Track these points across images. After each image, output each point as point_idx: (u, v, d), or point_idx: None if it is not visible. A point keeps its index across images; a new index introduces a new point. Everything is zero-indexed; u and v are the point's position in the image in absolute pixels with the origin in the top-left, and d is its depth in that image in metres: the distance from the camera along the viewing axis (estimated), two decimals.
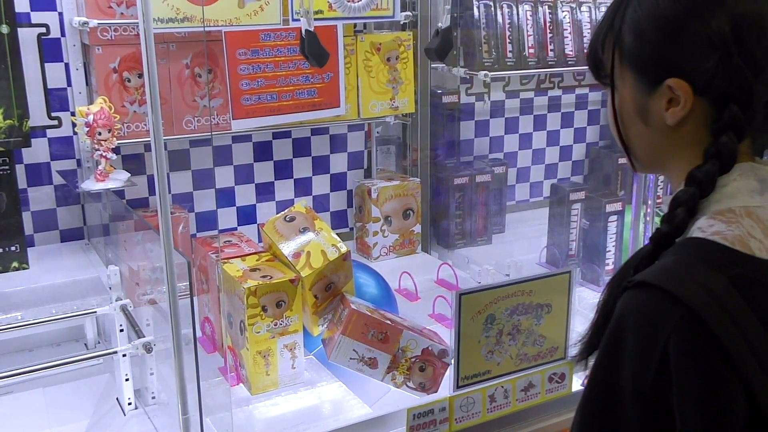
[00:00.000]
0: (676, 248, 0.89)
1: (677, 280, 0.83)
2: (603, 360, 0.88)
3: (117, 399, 1.63)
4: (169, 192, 2.02)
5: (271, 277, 1.43)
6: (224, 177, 2.09)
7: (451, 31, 1.46)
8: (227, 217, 2.12)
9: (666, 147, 0.95)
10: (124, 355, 1.50)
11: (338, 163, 2.28)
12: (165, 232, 1.15)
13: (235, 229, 2.14)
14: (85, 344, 1.88)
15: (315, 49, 1.34)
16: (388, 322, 1.43)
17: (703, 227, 0.87)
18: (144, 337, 1.40)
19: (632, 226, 1.53)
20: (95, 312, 1.49)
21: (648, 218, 1.52)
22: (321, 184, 2.27)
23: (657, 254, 0.91)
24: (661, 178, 1.85)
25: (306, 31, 1.34)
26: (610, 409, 0.87)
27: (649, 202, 1.51)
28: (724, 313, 0.80)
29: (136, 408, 1.60)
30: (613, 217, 1.97)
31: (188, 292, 1.88)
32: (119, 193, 1.80)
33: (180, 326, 1.18)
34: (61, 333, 1.86)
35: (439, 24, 1.49)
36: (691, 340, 0.79)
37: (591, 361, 0.99)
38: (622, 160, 2.52)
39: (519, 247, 2.33)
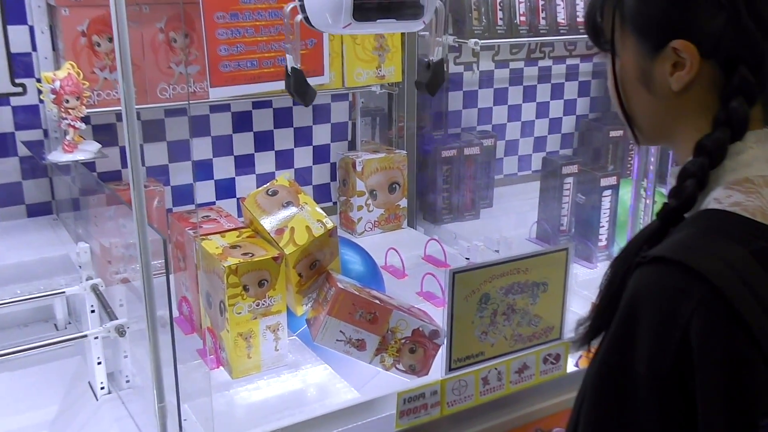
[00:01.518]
0: (689, 222, 0.83)
1: (698, 255, 0.76)
2: (615, 343, 0.82)
3: (89, 383, 1.55)
4: (143, 164, 1.92)
5: (253, 255, 1.35)
6: (201, 149, 2.00)
7: (443, 64, 1.39)
8: (205, 191, 2.03)
9: (671, 115, 0.89)
10: (96, 338, 1.42)
11: (321, 134, 2.19)
12: (138, 207, 1.06)
13: (214, 203, 2.05)
14: (55, 325, 1.79)
15: (301, 87, 1.28)
16: (377, 301, 1.35)
17: (720, 198, 0.81)
18: (116, 318, 1.31)
19: (632, 201, 1.46)
20: (64, 292, 1.40)
21: (648, 193, 1.45)
22: (303, 157, 2.18)
23: (666, 231, 0.85)
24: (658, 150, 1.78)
25: (293, 68, 1.27)
26: (623, 395, 0.80)
27: (650, 176, 1.44)
28: (747, 290, 0.74)
29: (109, 392, 1.52)
30: (608, 192, 1.90)
31: (163, 271, 1.80)
32: (89, 165, 1.70)
33: (155, 307, 1.09)
34: (29, 313, 1.77)
35: (430, 57, 1.39)
36: (715, 321, 0.73)
37: (594, 345, 0.93)
38: (613, 133, 2.46)
39: (508, 222, 2.26)
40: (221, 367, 1.43)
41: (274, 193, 1.48)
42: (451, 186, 2.24)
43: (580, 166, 2.00)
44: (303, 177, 2.20)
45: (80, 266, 1.45)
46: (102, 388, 1.51)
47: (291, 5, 1.29)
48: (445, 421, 1.35)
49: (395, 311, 1.35)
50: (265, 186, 1.50)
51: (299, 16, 1.27)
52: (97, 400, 1.51)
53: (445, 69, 2.23)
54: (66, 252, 1.65)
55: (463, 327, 1.32)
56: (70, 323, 1.78)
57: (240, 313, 1.33)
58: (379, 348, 1.35)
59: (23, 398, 1.59)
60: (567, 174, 2.00)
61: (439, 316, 1.47)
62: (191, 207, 2.00)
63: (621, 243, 1.94)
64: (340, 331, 1.34)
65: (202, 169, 2.01)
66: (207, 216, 1.56)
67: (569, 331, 1.46)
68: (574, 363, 1.57)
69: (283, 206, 1.45)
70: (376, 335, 1.35)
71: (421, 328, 1.37)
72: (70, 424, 1.51)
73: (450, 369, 1.33)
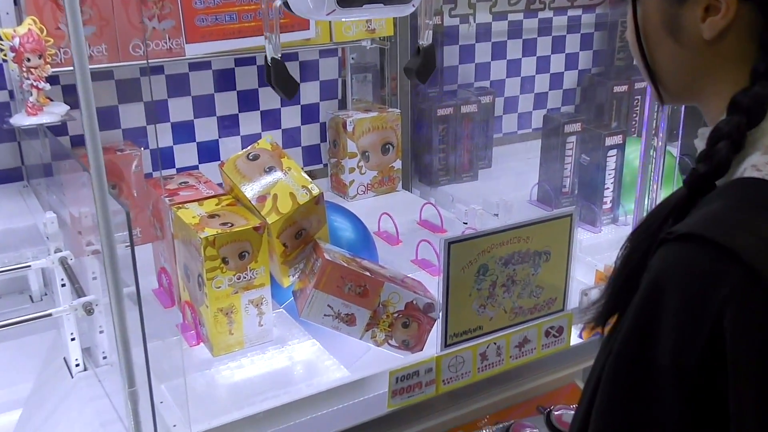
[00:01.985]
0: (722, 192, 0.73)
1: (732, 231, 0.66)
2: (634, 331, 0.72)
3: (64, 358, 1.46)
4: (119, 127, 1.81)
5: (232, 225, 1.24)
6: (181, 109, 1.88)
7: (434, 49, 1.28)
8: (186, 155, 1.92)
9: (702, 69, 0.78)
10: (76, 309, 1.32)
11: (310, 92, 2.07)
12: (97, 178, 0.95)
13: (197, 167, 1.94)
14: (30, 296, 1.70)
15: (282, 79, 1.18)
16: (367, 273, 1.26)
17: (759, 165, 0.71)
18: (84, 294, 1.22)
19: (641, 161, 1.36)
20: (30, 266, 1.30)
21: (658, 152, 1.35)
22: (291, 117, 2.06)
23: (693, 200, 0.75)
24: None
25: (272, 59, 1.17)
26: (642, 390, 0.71)
27: (661, 135, 1.34)
28: None
29: (85, 369, 1.44)
30: (613, 152, 1.79)
31: (137, 242, 1.70)
32: (59, 128, 1.59)
33: (120, 284, 0.99)
34: (2, 284, 1.68)
35: (420, 41, 1.28)
36: (752, 309, 0.64)
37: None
38: (618, 88, 2.34)
39: (507, 184, 2.16)
40: (202, 344, 1.34)
41: (256, 157, 1.37)
42: (448, 146, 2.13)
43: (583, 124, 1.89)
44: (291, 138, 2.09)
45: (48, 237, 1.35)
46: (77, 365, 1.43)
47: None
48: (440, 399, 1.27)
49: (387, 283, 1.26)
50: (245, 150, 1.39)
51: (278, 1, 1.17)
52: (72, 377, 1.43)
53: (440, 22, 2.11)
54: (35, 222, 1.55)
55: (460, 300, 1.23)
56: (46, 294, 1.69)
57: (219, 287, 1.24)
58: (370, 323, 1.26)
59: None
60: (569, 133, 1.89)
61: (435, 285, 1.38)
62: (172, 171, 1.90)
63: (627, 206, 1.84)
64: (328, 306, 1.24)
65: (183, 131, 1.89)
66: (185, 182, 1.45)
67: (573, 302, 1.38)
68: (577, 335, 1.49)
69: (265, 171, 1.35)
70: (366, 309, 1.26)
71: (414, 301, 1.27)
72: (43, 403, 1.43)
73: (446, 345, 1.24)
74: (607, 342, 0.79)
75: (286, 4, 1.13)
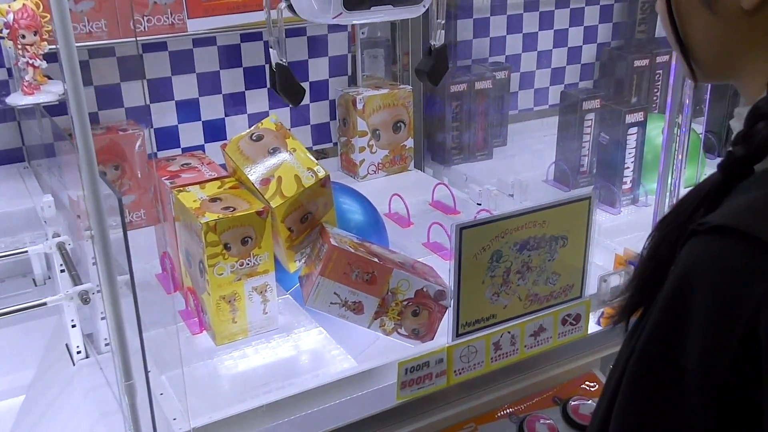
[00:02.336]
0: (761, 178, 0.67)
1: None
2: (659, 330, 0.66)
3: (66, 345, 1.43)
4: (122, 106, 1.75)
5: (234, 209, 1.19)
6: (186, 87, 1.82)
7: (446, 50, 1.22)
8: (192, 134, 1.86)
9: (740, 42, 0.71)
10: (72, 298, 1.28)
11: (318, 69, 2.00)
12: (86, 161, 0.90)
13: (202, 147, 1.88)
14: (34, 280, 1.66)
15: (288, 84, 1.12)
16: (376, 260, 1.20)
17: None
18: (80, 282, 1.17)
19: (664, 139, 1.29)
20: (26, 252, 1.26)
21: (683, 130, 1.27)
22: None
23: (729, 187, 0.69)
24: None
25: (277, 64, 1.11)
26: (666, 394, 0.65)
27: (686, 111, 1.26)
28: None
29: (87, 356, 1.40)
30: (634, 129, 1.72)
31: (140, 225, 1.65)
32: (57, 108, 1.53)
33: (113, 273, 0.94)
34: (5, 267, 1.64)
35: (432, 42, 1.21)
36: None
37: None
38: (638, 63, 2.25)
39: (523, 163, 2.09)
40: (205, 331, 1.29)
41: (260, 137, 1.31)
42: (462, 124, 2.06)
43: (602, 101, 1.81)
44: (300, 116, 2.03)
45: (45, 222, 1.31)
46: (78, 352, 1.39)
47: None
48: (452, 390, 1.22)
49: (396, 270, 1.20)
50: (248, 130, 1.34)
51: (282, 4, 1.10)
52: (73, 364, 1.39)
53: None
54: (34, 205, 1.51)
55: (472, 288, 1.18)
56: (50, 278, 1.65)
57: (221, 274, 1.19)
58: (378, 311, 1.21)
59: None
60: (588, 109, 1.81)
61: (446, 269, 1.33)
62: (177, 151, 1.85)
63: (647, 186, 1.77)
64: (335, 293, 1.19)
65: (188, 110, 1.83)
66: (187, 164, 1.40)
67: (591, 289, 1.32)
68: (595, 321, 1.43)
69: (269, 153, 1.29)
70: (374, 297, 1.20)
71: (425, 289, 1.22)
72: (45, 391, 1.39)
73: (458, 334, 1.19)
74: (630, 338, 0.74)
75: (290, 7, 1.08)
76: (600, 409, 0.76)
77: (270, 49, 1.10)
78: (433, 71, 1.21)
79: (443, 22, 1.20)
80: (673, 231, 0.72)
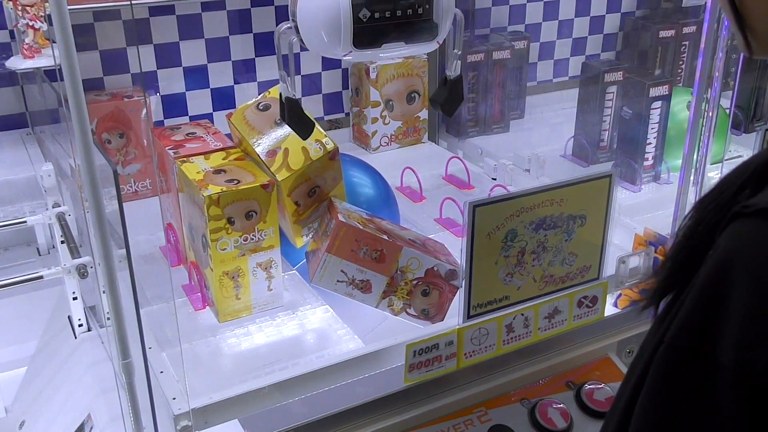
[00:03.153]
0: None
1: None
2: (692, 320, 0.61)
3: (69, 317, 1.40)
4: (128, 71, 1.70)
5: (239, 182, 1.14)
6: (194, 53, 1.76)
7: (461, 81, 1.17)
8: (200, 102, 1.81)
9: None
10: (70, 271, 1.25)
11: None
12: (80, 129, 0.85)
13: (211, 116, 1.83)
14: (38, 249, 1.63)
15: (297, 118, 1.10)
16: (385, 236, 1.15)
17: None
18: (78, 255, 1.13)
19: (691, 115, 1.22)
20: (25, 222, 1.22)
21: (711, 105, 1.21)
22: (311, 62, 1.93)
23: None
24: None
25: (287, 98, 1.08)
26: (696, 389, 0.60)
27: (716, 85, 1.20)
28: None
29: (89, 330, 1.37)
30: (658, 103, 1.65)
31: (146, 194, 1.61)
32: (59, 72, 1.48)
33: (109, 246, 0.89)
34: (8, 236, 1.61)
35: (448, 72, 1.16)
36: None
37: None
38: (663, 33, 2.16)
39: (540, 136, 2.02)
40: (208, 308, 1.26)
41: (266, 107, 1.26)
42: (478, 95, 1.99)
43: (625, 73, 1.74)
44: (312, 84, 1.97)
45: (45, 191, 1.27)
46: (80, 325, 1.36)
47: (283, 26, 1.08)
48: (462, 374, 1.18)
49: (406, 248, 1.15)
50: (255, 99, 1.28)
51: (293, 38, 1.07)
52: (75, 337, 1.36)
53: None
54: (35, 173, 1.47)
55: (485, 268, 1.13)
56: (53, 247, 1.62)
57: (225, 249, 1.14)
58: (386, 290, 1.17)
59: (2, 331, 1.45)
60: (610, 82, 1.74)
61: (459, 246, 1.28)
62: (185, 119, 1.80)
63: (670, 162, 1.71)
64: (342, 271, 1.15)
65: (196, 77, 1.78)
66: (192, 133, 1.35)
67: (609, 270, 1.26)
68: (612, 303, 1.38)
69: (276, 123, 1.24)
70: (383, 275, 1.16)
71: (436, 268, 1.17)
72: (46, 365, 1.37)
73: (469, 316, 1.14)
74: (659, 325, 0.68)
75: (301, 41, 1.05)
76: (621, 400, 0.71)
77: (280, 83, 1.08)
78: (447, 103, 1.18)
79: (459, 52, 1.16)
80: (713, 212, 0.66)
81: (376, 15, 1.01)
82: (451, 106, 1.18)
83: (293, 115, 1.10)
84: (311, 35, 1.03)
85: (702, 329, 0.60)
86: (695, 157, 1.26)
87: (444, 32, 1.08)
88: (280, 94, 1.11)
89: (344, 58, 1.03)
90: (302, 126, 1.10)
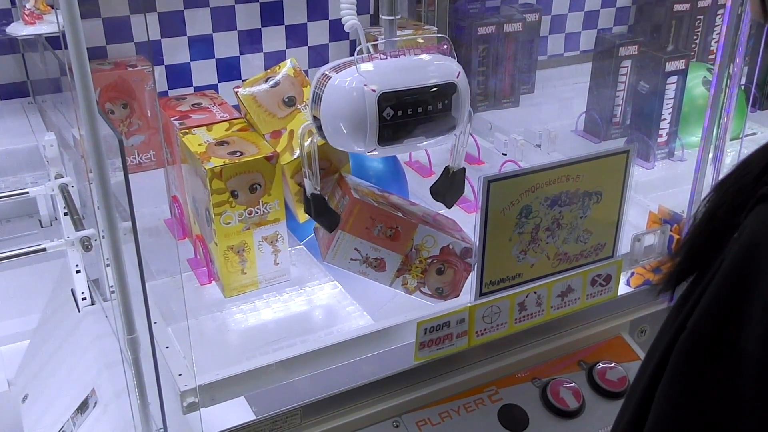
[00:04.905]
0: None
1: None
2: (716, 306, 0.59)
3: (72, 290, 1.38)
4: (132, 40, 1.66)
5: (242, 154, 1.11)
6: (199, 22, 1.72)
7: (464, 174, 1.18)
8: (205, 72, 1.77)
9: None
10: (74, 244, 1.22)
11: (339, 6, 1.88)
12: (84, 98, 0.82)
13: (216, 86, 1.80)
14: (40, 221, 1.60)
15: (323, 213, 1.11)
16: (400, 214, 1.12)
17: None
18: (83, 228, 1.10)
19: (713, 90, 1.19)
20: (27, 193, 1.19)
21: (734, 82, 1.17)
22: (318, 32, 1.89)
23: None
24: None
25: (312, 194, 1.09)
26: (719, 378, 0.58)
27: (737, 60, 1.16)
28: None
29: (92, 303, 1.35)
30: (673, 78, 1.61)
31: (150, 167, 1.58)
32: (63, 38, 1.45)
33: (114, 220, 0.87)
34: (10, 207, 1.59)
35: (450, 165, 1.17)
36: None
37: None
38: (678, 7, 2.11)
39: (550, 112, 1.99)
40: (214, 282, 1.23)
41: (276, 84, 1.22)
42: (488, 68, 1.95)
43: (640, 46, 1.70)
44: (319, 56, 1.93)
45: (48, 161, 1.24)
46: (84, 299, 1.34)
47: (306, 126, 1.08)
48: (473, 352, 1.15)
49: (421, 225, 1.13)
50: (265, 73, 1.25)
51: (316, 138, 1.07)
52: (78, 311, 1.34)
53: None
54: (37, 143, 1.43)
55: (499, 245, 1.10)
56: (56, 219, 1.60)
57: (229, 223, 1.11)
58: (401, 269, 1.14)
59: (4, 303, 1.43)
60: (625, 56, 1.70)
61: (470, 222, 1.25)
62: (190, 90, 1.77)
63: (685, 139, 1.67)
64: (355, 249, 1.12)
65: (201, 47, 1.74)
66: (198, 104, 1.32)
67: (623, 249, 1.24)
68: (624, 282, 1.36)
69: (284, 102, 1.20)
70: (397, 254, 1.13)
71: (451, 246, 1.14)
72: (49, 338, 1.35)
73: (481, 294, 1.12)
74: (678, 310, 0.66)
75: (324, 137, 1.05)
76: (639, 385, 0.69)
77: (305, 179, 1.10)
78: (449, 194, 1.19)
79: (465, 149, 1.18)
80: (735, 195, 0.64)
81: (400, 113, 1.01)
82: (452, 198, 1.19)
83: (319, 211, 1.11)
84: (335, 133, 1.03)
85: (727, 316, 0.58)
86: (715, 134, 1.22)
87: (461, 124, 1.09)
88: (304, 189, 1.11)
89: (370, 154, 1.04)
90: (328, 220, 1.11)
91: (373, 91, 0.99)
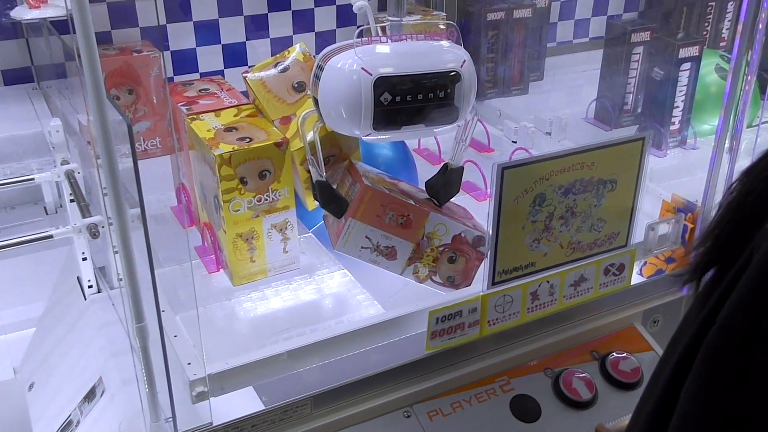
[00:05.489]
0: None
1: None
2: (748, 301, 0.57)
3: (78, 278, 1.36)
4: (137, 25, 1.64)
5: (251, 140, 1.09)
6: (205, 7, 1.70)
7: (461, 173, 1.17)
8: (211, 58, 1.75)
9: None
10: (80, 231, 1.21)
11: None
12: (92, 82, 0.80)
13: (222, 72, 1.77)
14: (45, 208, 1.59)
15: (330, 200, 1.10)
16: (411, 201, 1.11)
17: None
18: (91, 214, 1.09)
19: (731, 77, 1.16)
20: (32, 180, 1.17)
21: (752, 69, 1.15)
22: (325, 18, 1.87)
23: None
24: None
25: (317, 181, 1.08)
26: (752, 375, 0.57)
27: (757, 47, 1.14)
28: None
29: (98, 291, 1.33)
30: (686, 65, 1.58)
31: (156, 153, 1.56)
32: (67, 24, 1.43)
33: (123, 206, 0.85)
34: (15, 194, 1.57)
35: (450, 161, 1.15)
36: None
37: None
38: None
39: (560, 99, 1.96)
40: (222, 270, 1.22)
41: (285, 69, 1.20)
42: (497, 55, 1.92)
43: (653, 33, 1.67)
44: (327, 42, 1.89)
45: (53, 147, 1.22)
46: (90, 287, 1.32)
47: (306, 113, 1.07)
48: (484, 341, 1.14)
49: (432, 213, 1.11)
50: (274, 57, 1.23)
51: (319, 123, 1.06)
52: (85, 299, 1.33)
53: None
54: (42, 129, 1.42)
55: (512, 234, 1.08)
56: (61, 206, 1.58)
57: (238, 210, 1.10)
58: (412, 257, 1.12)
59: (6, 293, 1.42)
60: (637, 42, 1.68)
61: (480, 210, 1.23)
62: (195, 76, 1.75)
63: (697, 127, 1.65)
64: (366, 237, 1.10)
65: (207, 32, 1.72)
66: (205, 89, 1.30)
67: (637, 237, 1.22)
68: (637, 271, 1.34)
69: (293, 88, 1.18)
70: (409, 242, 1.11)
71: (463, 234, 1.13)
72: (55, 326, 1.34)
73: (493, 283, 1.10)
74: (702, 301, 0.64)
75: (322, 119, 1.05)
76: (660, 378, 0.67)
77: (310, 167, 1.09)
78: (441, 190, 1.17)
79: (468, 144, 1.16)
80: (765, 182, 0.62)
81: (398, 99, 0.99)
82: (446, 195, 1.17)
83: (325, 197, 1.10)
84: (331, 115, 1.02)
85: (758, 310, 0.56)
86: (731, 121, 1.20)
87: (464, 116, 1.07)
88: (311, 176, 1.10)
89: (366, 138, 1.03)
90: (336, 206, 1.10)
91: (370, 74, 0.98)
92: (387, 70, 0.98)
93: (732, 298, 0.58)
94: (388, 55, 1.01)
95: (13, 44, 1.58)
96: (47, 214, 1.58)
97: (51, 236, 1.10)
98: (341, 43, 1.04)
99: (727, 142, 1.21)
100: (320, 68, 1.02)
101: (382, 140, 1.07)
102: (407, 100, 1.00)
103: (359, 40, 1.00)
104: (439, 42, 1.05)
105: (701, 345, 0.59)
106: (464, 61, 1.04)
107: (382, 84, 0.98)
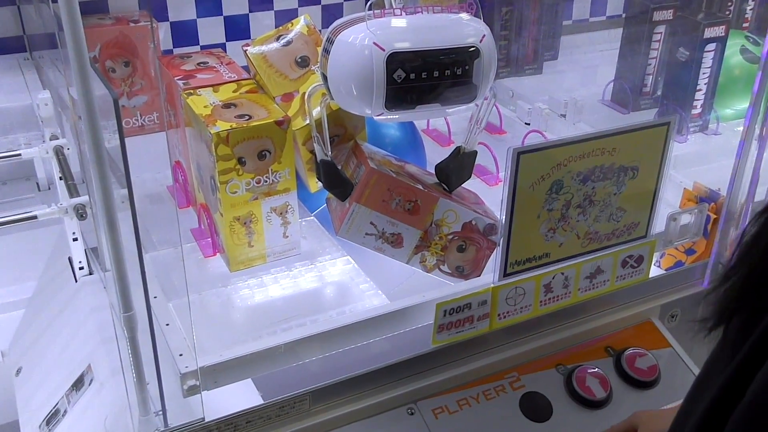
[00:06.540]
0: None
1: None
2: None
3: (69, 258, 1.30)
4: None
5: (250, 118, 1.02)
6: None
7: (474, 158, 1.10)
8: (212, 30, 1.68)
9: None
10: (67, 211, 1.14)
11: None
12: (76, 51, 0.73)
13: (224, 45, 1.70)
14: (37, 184, 1.53)
15: (334, 180, 1.04)
16: (420, 186, 1.04)
17: None
18: (78, 194, 1.02)
19: (764, 60, 1.09)
20: (19, 155, 1.11)
21: None
22: None
23: None
24: None
25: (322, 161, 1.02)
26: None
27: None
28: None
29: (90, 273, 1.27)
30: (711, 45, 1.50)
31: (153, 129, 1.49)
32: None
33: (109, 187, 0.79)
34: (6, 169, 1.51)
35: (463, 145, 1.08)
36: None
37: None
38: None
39: (575, 80, 1.89)
40: (219, 255, 1.15)
41: (288, 43, 1.13)
42: (511, 33, 1.84)
43: (676, 11, 1.59)
44: (333, 15, 1.82)
45: (42, 121, 1.15)
46: (81, 268, 1.26)
47: (313, 87, 1.01)
48: (494, 335, 1.08)
49: (442, 199, 1.04)
50: (277, 29, 1.16)
51: (327, 99, 0.99)
52: (75, 281, 1.27)
53: None
54: (32, 102, 1.35)
55: (526, 222, 1.02)
56: (53, 183, 1.52)
57: (235, 192, 1.03)
58: (419, 245, 1.06)
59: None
60: (659, 21, 1.60)
61: (490, 196, 1.17)
62: (196, 48, 1.67)
63: (720, 111, 1.57)
64: (371, 223, 1.04)
65: (207, 3, 1.64)
66: (204, 63, 1.23)
67: (657, 228, 1.15)
68: (654, 262, 1.28)
69: (296, 63, 1.11)
70: (416, 229, 1.05)
71: (474, 221, 1.06)
72: (44, 309, 1.28)
73: (505, 274, 1.04)
74: (731, 349, 0.56)
75: (331, 97, 0.98)
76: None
77: (315, 145, 1.03)
78: (452, 176, 1.10)
79: (483, 127, 1.09)
80: None
81: (412, 76, 0.92)
82: (457, 181, 1.10)
83: (330, 178, 1.04)
84: (341, 92, 0.95)
85: None
86: (762, 108, 1.13)
87: (483, 94, 1.01)
88: (315, 156, 1.03)
89: (377, 118, 0.96)
90: (341, 189, 1.04)
91: (383, 49, 0.91)
92: (401, 45, 0.91)
93: (763, 370, 0.51)
94: (402, 29, 0.94)
95: (6, 12, 1.50)
96: (39, 190, 1.52)
97: (35, 217, 1.04)
98: (353, 15, 0.97)
99: (757, 129, 1.14)
100: (330, 42, 0.95)
101: (395, 120, 1.01)
102: (422, 77, 0.94)
103: (371, 12, 0.93)
104: (458, 15, 0.98)
105: (727, 411, 0.52)
106: (484, 35, 0.97)
107: (396, 60, 0.91)
